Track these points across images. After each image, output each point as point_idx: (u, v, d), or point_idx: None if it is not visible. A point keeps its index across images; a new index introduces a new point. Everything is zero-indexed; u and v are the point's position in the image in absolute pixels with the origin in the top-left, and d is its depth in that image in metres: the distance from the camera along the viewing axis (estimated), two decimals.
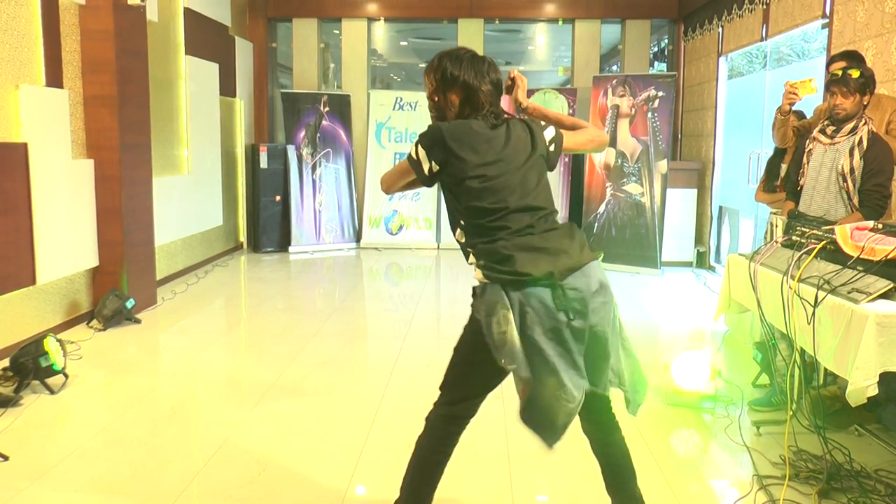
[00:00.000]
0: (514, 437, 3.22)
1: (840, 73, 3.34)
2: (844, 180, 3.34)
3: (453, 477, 2.87)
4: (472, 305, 2.11)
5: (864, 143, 3.29)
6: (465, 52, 2.20)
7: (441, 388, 2.27)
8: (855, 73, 3.30)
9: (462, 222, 2.14)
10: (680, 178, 7.56)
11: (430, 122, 2.22)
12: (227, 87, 7.73)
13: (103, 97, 5.00)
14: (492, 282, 2.04)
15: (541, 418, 2.05)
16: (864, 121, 3.35)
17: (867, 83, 3.33)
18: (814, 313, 2.52)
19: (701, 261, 7.58)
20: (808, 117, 4.23)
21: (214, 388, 3.97)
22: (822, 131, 3.50)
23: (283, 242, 8.32)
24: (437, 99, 2.20)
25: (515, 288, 1.99)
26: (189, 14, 6.62)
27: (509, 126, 2.17)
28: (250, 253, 8.29)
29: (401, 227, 8.69)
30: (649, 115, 7.37)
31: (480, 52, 2.20)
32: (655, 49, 9.24)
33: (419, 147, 2.13)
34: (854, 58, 3.79)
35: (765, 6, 6.13)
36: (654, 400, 3.75)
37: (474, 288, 2.12)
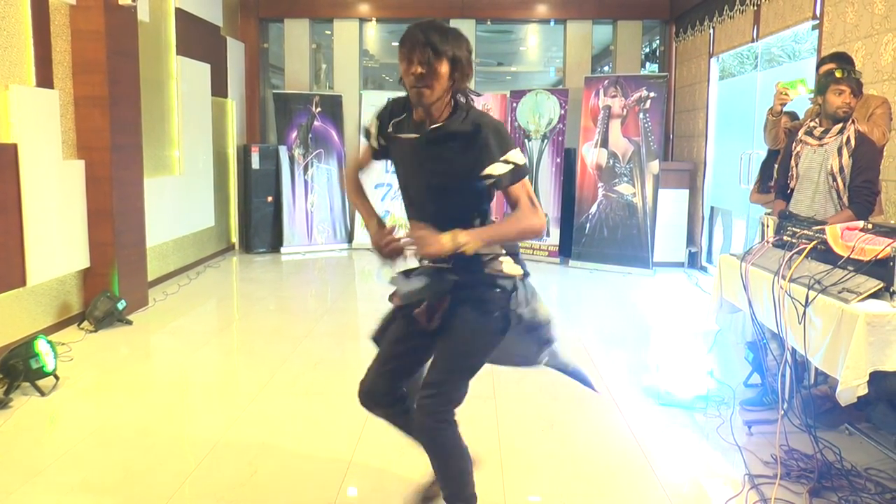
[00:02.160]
0: (506, 437, 3.23)
1: (842, 73, 3.35)
2: (834, 179, 3.37)
3: None
4: (500, 299, 2.12)
5: (853, 142, 3.32)
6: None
7: (454, 394, 2.18)
8: (859, 74, 3.35)
9: (482, 209, 2.16)
10: (671, 179, 7.58)
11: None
12: (219, 88, 7.70)
13: (94, 98, 4.97)
14: (520, 275, 2.16)
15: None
16: (851, 120, 3.38)
17: (861, 85, 3.38)
18: (805, 313, 2.54)
19: (693, 261, 7.60)
20: (801, 119, 4.25)
21: (206, 389, 3.96)
22: (809, 133, 3.52)
23: (275, 243, 8.30)
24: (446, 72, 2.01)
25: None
26: (180, 14, 6.59)
27: None
28: (242, 254, 8.26)
29: (393, 228, 8.67)
30: (641, 115, 7.39)
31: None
32: (647, 50, 9.26)
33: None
34: (844, 59, 3.81)
35: (756, 7, 6.16)
36: (645, 400, 3.76)
37: (502, 282, 2.12)
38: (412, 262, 2.24)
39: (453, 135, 2.05)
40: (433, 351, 2.21)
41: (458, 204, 2.12)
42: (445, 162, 2.07)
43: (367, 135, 2.25)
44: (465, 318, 2.13)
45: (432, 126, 2.06)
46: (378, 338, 2.34)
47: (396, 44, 2.10)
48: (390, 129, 2.17)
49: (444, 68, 1.99)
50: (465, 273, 2.11)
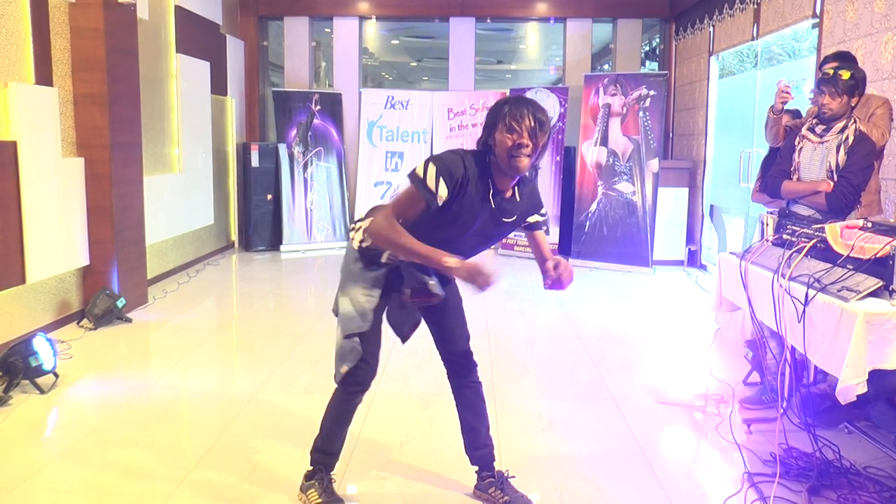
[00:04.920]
0: (504, 436, 3.23)
1: (831, 72, 3.37)
2: (832, 176, 3.38)
3: (445, 476, 2.87)
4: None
5: (850, 140, 3.33)
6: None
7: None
8: (846, 75, 3.33)
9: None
10: (671, 177, 7.58)
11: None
12: (219, 86, 7.70)
13: (93, 95, 4.97)
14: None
15: None
16: (852, 119, 3.39)
17: (857, 85, 3.36)
18: (804, 311, 2.54)
19: (692, 259, 7.60)
20: (803, 117, 4.24)
21: (205, 387, 3.96)
22: (811, 129, 3.53)
23: (275, 241, 8.31)
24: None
25: None
26: (180, 12, 6.59)
27: None
28: (242, 252, 8.26)
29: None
30: (641, 114, 7.39)
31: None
32: (647, 48, 9.26)
33: None
34: (847, 59, 3.81)
35: (756, 6, 6.16)
36: (645, 398, 3.76)
37: None
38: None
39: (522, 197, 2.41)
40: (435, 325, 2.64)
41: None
42: (513, 218, 2.40)
43: (431, 193, 2.20)
44: (455, 291, 2.61)
45: (510, 195, 2.36)
46: (372, 327, 2.51)
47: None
48: (473, 193, 2.27)
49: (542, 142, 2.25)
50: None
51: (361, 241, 2.46)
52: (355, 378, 2.52)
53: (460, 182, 2.22)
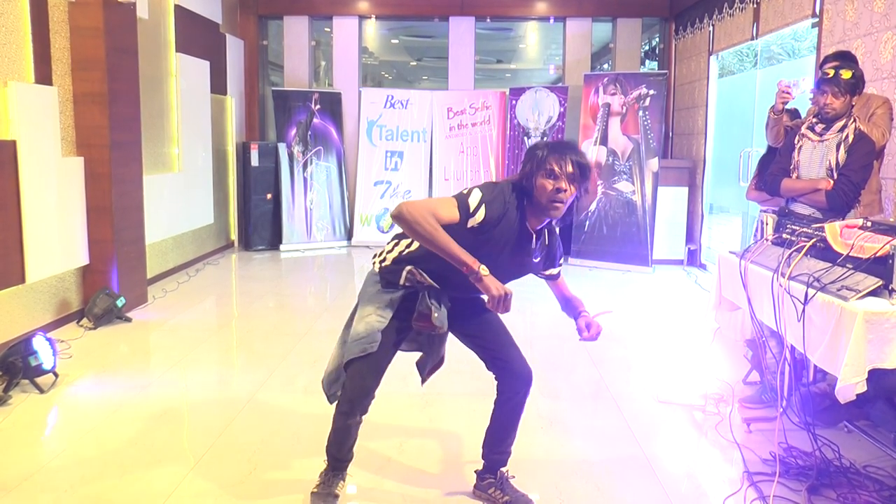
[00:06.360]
0: None
1: (832, 72, 3.37)
2: (832, 175, 3.38)
3: (445, 476, 2.87)
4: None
5: (850, 138, 3.34)
6: None
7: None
8: (846, 74, 3.34)
9: None
10: (671, 177, 7.58)
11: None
12: (218, 85, 7.70)
13: (93, 94, 4.97)
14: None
15: None
16: (852, 118, 3.39)
17: (857, 84, 3.37)
18: (804, 311, 2.54)
19: (692, 258, 7.60)
20: (803, 117, 4.24)
21: (205, 386, 3.96)
22: (811, 128, 3.53)
23: (275, 240, 8.30)
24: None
25: None
26: (179, 11, 6.59)
27: None
28: (241, 251, 8.26)
29: (392, 225, 8.68)
30: (640, 113, 7.39)
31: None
32: (647, 47, 9.26)
33: None
34: (847, 58, 3.82)
35: (755, 5, 6.16)
36: (645, 397, 3.76)
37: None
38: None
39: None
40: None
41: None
42: (536, 259, 2.54)
43: (467, 212, 2.30)
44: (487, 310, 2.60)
45: (537, 236, 2.48)
46: (377, 349, 2.49)
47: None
48: (505, 227, 2.35)
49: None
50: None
51: (382, 262, 2.52)
52: (348, 397, 2.51)
53: (497, 218, 2.31)
